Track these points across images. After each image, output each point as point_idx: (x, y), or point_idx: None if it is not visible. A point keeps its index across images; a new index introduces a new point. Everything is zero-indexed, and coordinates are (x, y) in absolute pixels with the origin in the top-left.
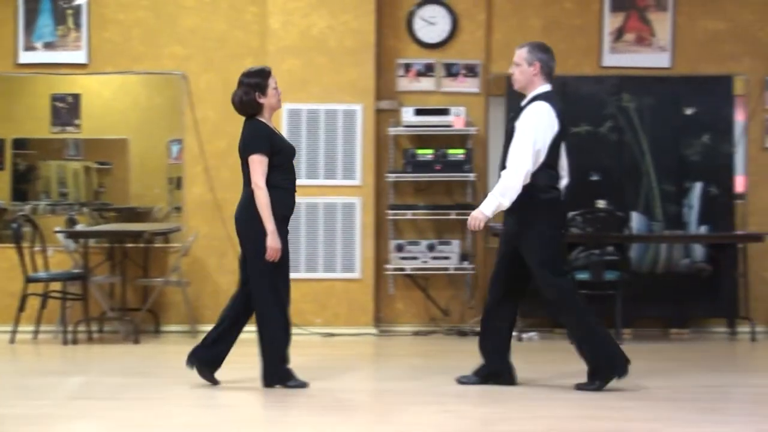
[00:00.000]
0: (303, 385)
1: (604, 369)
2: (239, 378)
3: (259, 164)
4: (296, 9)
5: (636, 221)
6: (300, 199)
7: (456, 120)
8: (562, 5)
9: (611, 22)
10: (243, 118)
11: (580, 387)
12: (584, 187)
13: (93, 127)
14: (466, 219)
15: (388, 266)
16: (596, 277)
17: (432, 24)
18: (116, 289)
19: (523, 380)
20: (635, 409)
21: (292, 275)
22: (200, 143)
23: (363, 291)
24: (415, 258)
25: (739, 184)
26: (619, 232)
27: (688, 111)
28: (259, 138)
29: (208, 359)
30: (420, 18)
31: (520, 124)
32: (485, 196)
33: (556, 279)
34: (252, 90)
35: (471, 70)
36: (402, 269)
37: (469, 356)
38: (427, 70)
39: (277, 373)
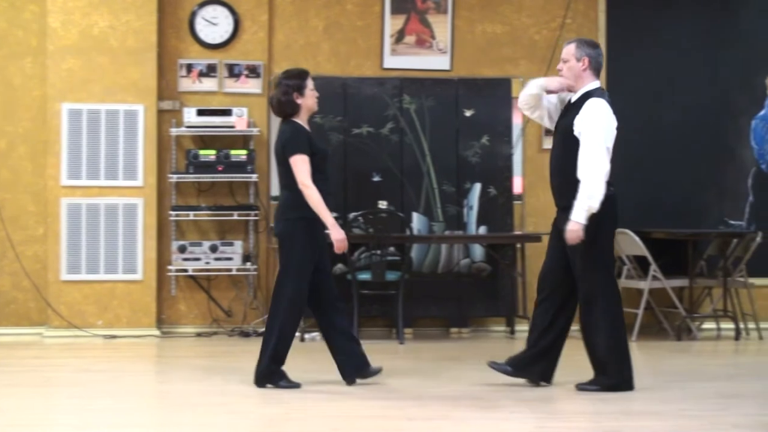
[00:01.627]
0: (296, 385)
1: (614, 375)
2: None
3: (302, 163)
4: (77, 8)
5: (417, 222)
6: (81, 200)
7: (238, 121)
8: (343, 7)
9: (392, 24)
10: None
11: (582, 387)
12: (366, 188)
13: None
14: (249, 220)
15: (170, 267)
16: (378, 278)
17: (214, 24)
18: None
19: (309, 380)
20: (416, 407)
21: (73, 276)
22: None
23: (145, 292)
24: (197, 259)
25: (517, 185)
26: (400, 232)
27: (468, 113)
28: (299, 138)
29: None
30: (202, 18)
31: (586, 126)
32: (268, 196)
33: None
34: (291, 90)
35: (253, 71)
36: (184, 270)
37: (253, 357)
38: (210, 71)
39: (270, 374)
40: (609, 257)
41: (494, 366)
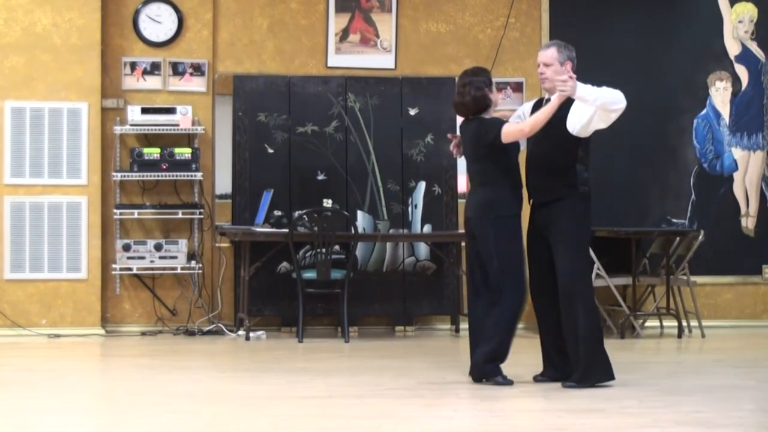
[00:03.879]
0: (509, 382)
1: (598, 371)
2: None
3: (512, 127)
4: (19, 5)
5: (362, 220)
6: (24, 198)
7: (182, 119)
8: (287, 5)
9: (336, 22)
10: None
11: (567, 385)
12: (311, 187)
13: None
14: (194, 218)
15: (114, 266)
16: (323, 276)
17: (158, 22)
18: None
19: (253, 380)
20: (361, 405)
21: (17, 275)
22: None
23: (89, 291)
24: (142, 258)
25: (462, 183)
26: (345, 231)
27: (412, 111)
28: (497, 121)
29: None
30: (146, 16)
31: (582, 111)
32: (212, 194)
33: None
34: (483, 86)
35: (197, 69)
36: (129, 269)
37: (199, 355)
38: (154, 69)
39: (490, 371)
40: (587, 252)
41: (545, 380)
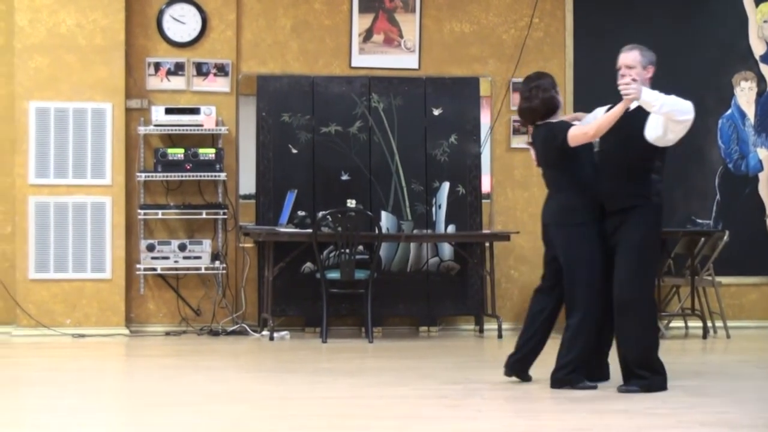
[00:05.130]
0: (594, 387)
1: (653, 382)
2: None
3: (577, 130)
4: (44, 6)
5: (385, 220)
6: (49, 198)
7: (206, 119)
8: (311, 6)
9: (360, 23)
10: None
11: (623, 389)
12: (334, 187)
13: None
14: (218, 218)
15: (139, 266)
16: (347, 276)
17: (182, 23)
18: None
19: (276, 380)
20: (385, 406)
21: (42, 275)
22: None
23: (114, 291)
24: (166, 258)
25: (486, 184)
26: (369, 231)
27: (436, 112)
28: (564, 124)
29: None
30: (170, 16)
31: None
32: (236, 195)
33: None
34: (550, 87)
35: (221, 70)
36: (153, 269)
37: (223, 355)
38: (178, 69)
39: (571, 377)
40: (655, 262)
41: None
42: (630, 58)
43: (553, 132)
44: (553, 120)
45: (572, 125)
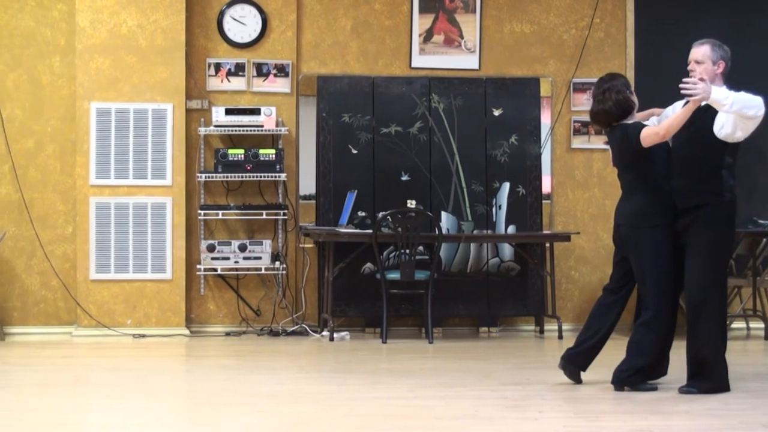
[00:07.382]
0: (654, 388)
1: (716, 383)
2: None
3: (649, 131)
4: (105, 7)
5: (446, 221)
6: (110, 199)
7: (267, 120)
8: (371, 6)
9: (420, 23)
10: (52, 117)
11: (684, 390)
12: (394, 187)
13: None
14: (278, 219)
15: (199, 266)
16: (407, 277)
17: (242, 23)
18: None
19: (337, 380)
20: (444, 406)
21: (102, 275)
22: (7, 142)
23: (174, 291)
24: (226, 258)
25: (546, 184)
26: (429, 231)
27: (496, 112)
28: (638, 125)
29: (578, 361)
30: (230, 17)
31: (724, 116)
32: (296, 195)
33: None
34: (624, 88)
35: (281, 70)
36: (213, 269)
37: (283, 356)
38: (238, 70)
39: (633, 378)
40: (726, 262)
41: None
42: (700, 53)
43: (628, 133)
44: (628, 121)
45: (645, 125)
